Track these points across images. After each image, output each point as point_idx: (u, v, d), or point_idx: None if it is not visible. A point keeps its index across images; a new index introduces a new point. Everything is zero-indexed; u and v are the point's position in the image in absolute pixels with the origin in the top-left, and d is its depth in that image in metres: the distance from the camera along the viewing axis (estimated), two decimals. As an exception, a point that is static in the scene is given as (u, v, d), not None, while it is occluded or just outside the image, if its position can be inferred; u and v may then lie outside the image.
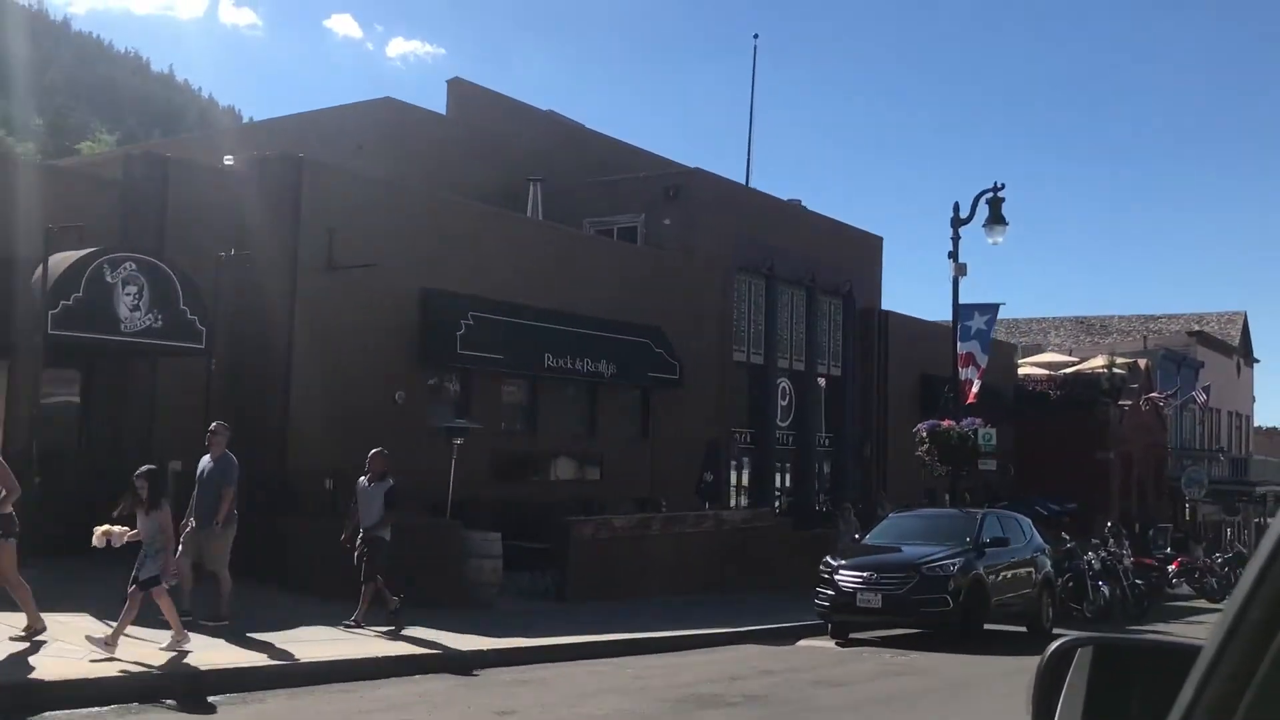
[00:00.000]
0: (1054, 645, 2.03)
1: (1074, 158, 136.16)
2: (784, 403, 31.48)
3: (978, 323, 22.03)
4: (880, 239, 35.32)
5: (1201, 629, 21.99)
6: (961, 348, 22.07)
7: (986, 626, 16.30)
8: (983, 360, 22.56)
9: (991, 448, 21.82)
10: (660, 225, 27.80)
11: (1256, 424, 72.35)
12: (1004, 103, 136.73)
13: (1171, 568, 30.28)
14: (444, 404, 19.88)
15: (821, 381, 33.04)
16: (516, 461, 21.13)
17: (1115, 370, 45.26)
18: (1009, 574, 16.58)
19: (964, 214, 21.75)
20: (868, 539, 17.38)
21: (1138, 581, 22.44)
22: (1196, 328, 62.45)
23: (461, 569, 15.09)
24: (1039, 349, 53.80)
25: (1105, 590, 21.16)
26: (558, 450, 22.46)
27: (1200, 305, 74.38)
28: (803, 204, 34.60)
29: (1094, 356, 47.40)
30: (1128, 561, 22.52)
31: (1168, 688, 1.43)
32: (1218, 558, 32.50)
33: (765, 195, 31.90)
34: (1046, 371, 46.89)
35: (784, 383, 31.48)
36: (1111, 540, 23.75)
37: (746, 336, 29.81)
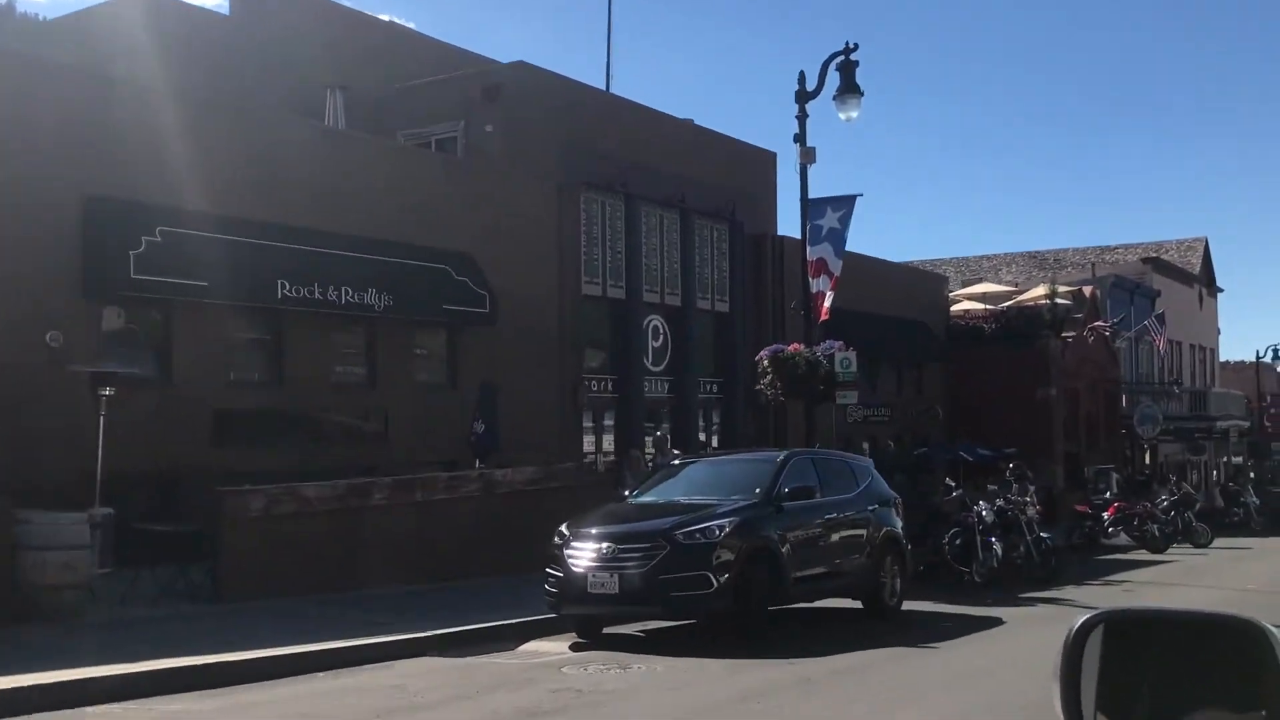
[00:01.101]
0: (1077, 623, 2.04)
1: (1029, 89, 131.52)
2: (656, 344, 27.08)
3: (830, 220, 17.61)
4: (773, 155, 30.77)
5: (1124, 591, 17.80)
6: (811, 253, 17.68)
7: (799, 606, 12.10)
8: (836, 267, 18.16)
9: (851, 376, 17.50)
10: (482, 133, 23.30)
11: (1223, 359, 68.33)
12: (957, 36, 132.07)
13: (1107, 515, 26.18)
14: (127, 347, 15.37)
15: (707, 318, 28.68)
16: (253, 421, 16.65)
17: (1058, 300, 41.03)
18: (828, 536, 12.29)
19: (811, 85, 17.31)
20: (634, 497, 12.98)
21: (1043, 536, 18.22)
22: (1155, 255, 58.29)
23: (13, 566, 10.73)
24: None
25: (998, 548, 16.95)
26: (320, 405, 17.99)
27: (1159, 235, 70.13)
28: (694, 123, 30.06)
29: (1036, 286, 43.14)
30: (1032, 512, 18.27)
31: (1179, 658, 1.88)
32: (1162, 500, 28.40)
33: (618, 99, 27.37)
34: (984, 306, 42.65)
35: (655, 320, 27.07)
36: (1016, 486, 19.50)
37: (602, 266, 25.35)
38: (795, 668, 9.98)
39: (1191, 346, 59.31)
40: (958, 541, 17.15)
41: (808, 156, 17.01)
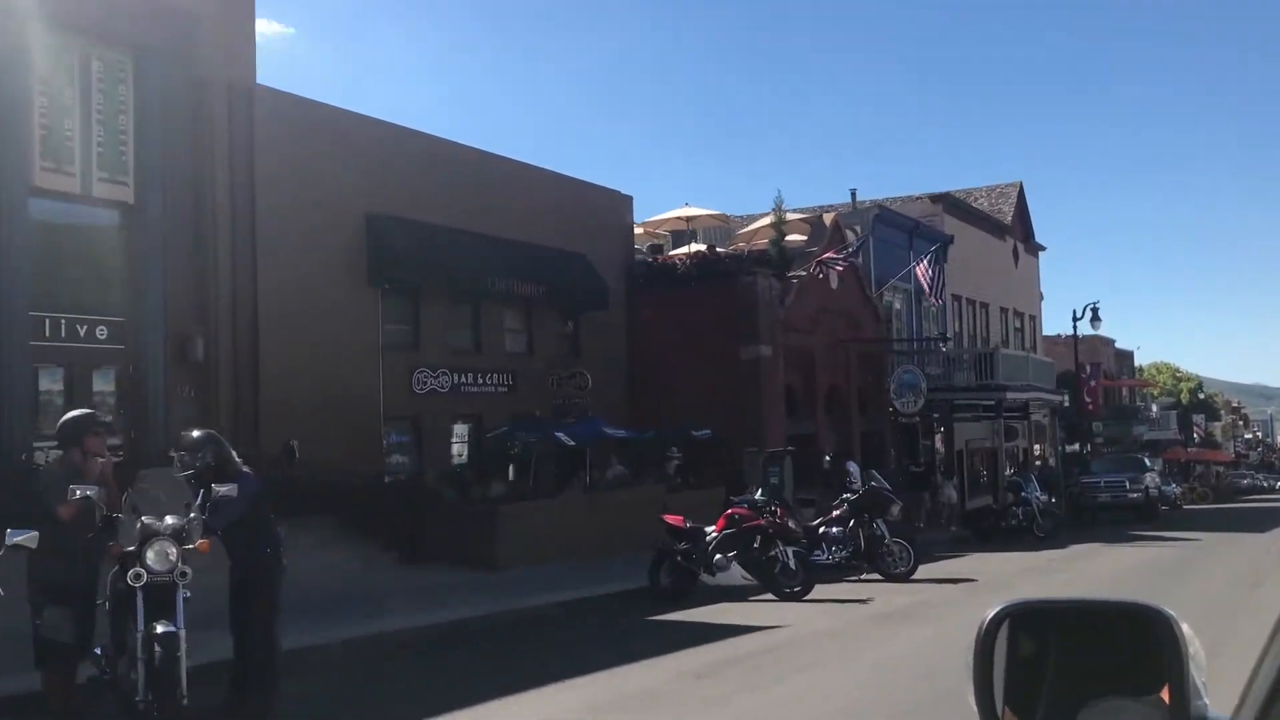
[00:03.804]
0: (987, 617, 2.01)
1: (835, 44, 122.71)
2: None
3: None
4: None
5: None
6: None
7: None
8: None
9: None
10: None
11: (1048, 332, 58.56)
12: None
13: (713, 531, 15.10)
14: None
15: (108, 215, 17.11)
16: None
17: (783, 232, 30.29)
18: None
19: None
20: None
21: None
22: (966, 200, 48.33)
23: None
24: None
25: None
26: None
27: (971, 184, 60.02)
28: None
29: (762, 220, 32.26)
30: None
31: (1081, 647, 1.93)
32: (845, 500, 17.72)
33: None
34: (689, 249, 31.76)
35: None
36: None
37: None
38: None
39: (1004, 311, 49.50)
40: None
41: None
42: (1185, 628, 1.80)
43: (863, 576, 16.88)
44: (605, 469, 23.02)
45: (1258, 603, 14.01)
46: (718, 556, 14.51)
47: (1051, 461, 44.89)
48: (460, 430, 23.46)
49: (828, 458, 29.84)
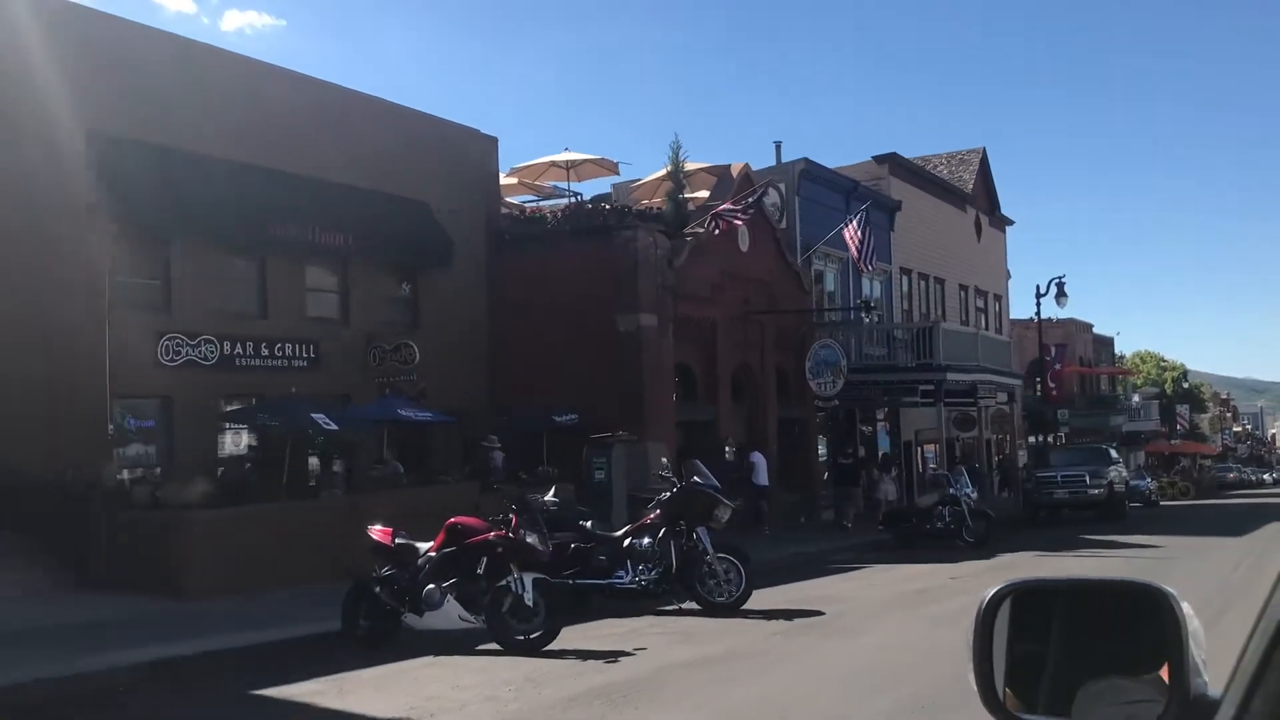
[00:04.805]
0: (987, 596, 2.00)
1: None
2: None
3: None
4: None
5: None
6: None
7: None
8: None
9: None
10: None
11: (1020, 315, 53.90)
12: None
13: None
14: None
15: None
16: None
17: (681, 184, 25.75)
18: None
19: None
20: None
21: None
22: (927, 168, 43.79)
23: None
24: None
25: None
26: None
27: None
28: None
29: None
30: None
31: (1080, 626, 1.93)
32: (660, 502, 13.18)
33: None
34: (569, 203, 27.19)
35: None
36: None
37: None
38: None
39: (964, 289, 44.97)
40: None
41: None
42: (1185, 606, 1.79)
43: (679, 606, 12.40)
44: (385, 463, 18.39)
45: (1218, 642, 9.45)
46: (429, 587, 10.00)
47: (1021, 454, 40.45)
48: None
49: (729, 449, 25.36)
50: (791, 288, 29.44)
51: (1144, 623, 1.82)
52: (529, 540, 9.99)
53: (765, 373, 28.21)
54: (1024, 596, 2.00)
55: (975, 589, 14.39)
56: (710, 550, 12.22)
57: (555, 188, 28.22)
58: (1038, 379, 43.94)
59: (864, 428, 35.19)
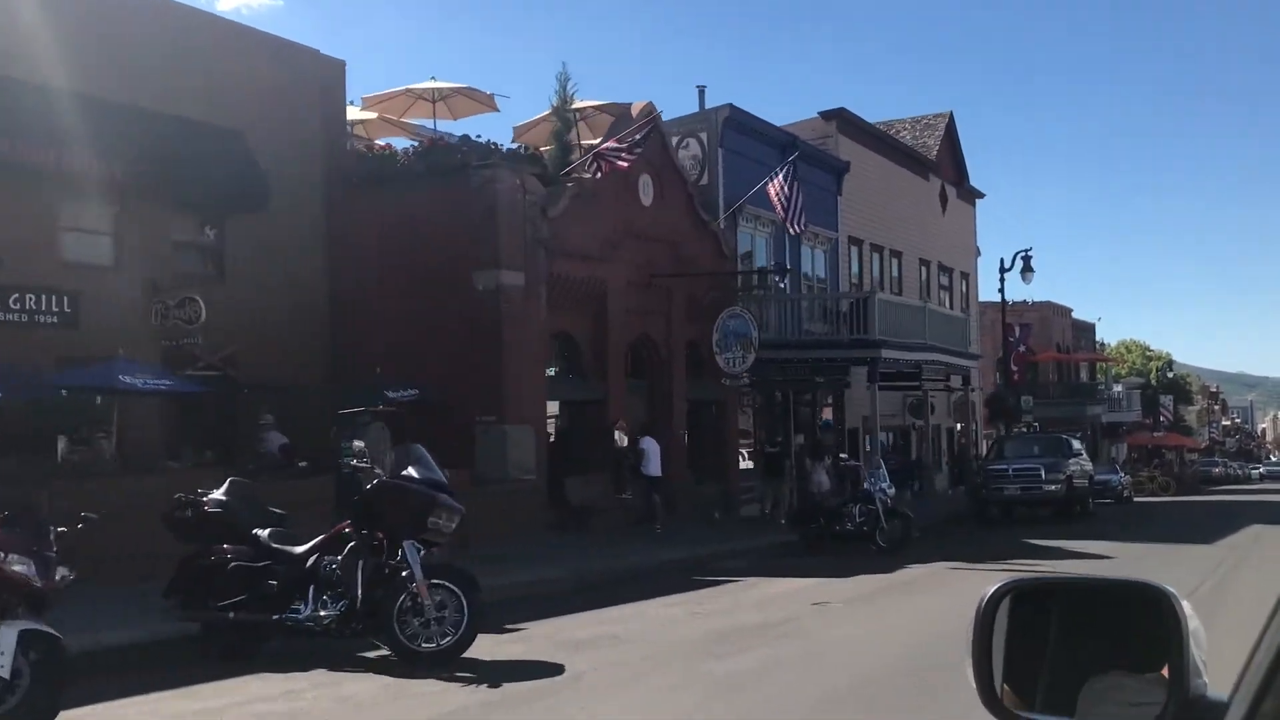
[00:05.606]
0: (987, 593, 1.98)
1: None
2: None
3: None
4: None
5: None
6: None
7: None
8: None
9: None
10: None
11: (991, 297, 49.94)
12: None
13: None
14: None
15: None
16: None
17: (569, 121, 21.99)
18: None
19: None
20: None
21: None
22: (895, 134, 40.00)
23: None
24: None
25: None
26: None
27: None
28: None
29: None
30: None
31: (1080, 624, 1.91)
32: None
33: None
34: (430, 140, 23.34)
35: None
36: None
37: None
38: None
39: (925, 264, 41.22)
40: None
41: None
42: (1186, 605, 1.76)
43: (372, 654, 8.75)
44: (88, 444, 14.66)
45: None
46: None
47: (984, 446, 36.87)
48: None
49: (619, 434, 21.68)
50: (708, 250, 25.72)
51: (1144, 622, 1.82)
52: (14, 570, 6.30)
53: (672, 347, 24.52)
54: (1024, 593, 1.99)
55: (827, 626, 10.68)
56: (418, 576, 8.50)
57: (423, 128, 24.45)
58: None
59: (809, 413, 31.54)
